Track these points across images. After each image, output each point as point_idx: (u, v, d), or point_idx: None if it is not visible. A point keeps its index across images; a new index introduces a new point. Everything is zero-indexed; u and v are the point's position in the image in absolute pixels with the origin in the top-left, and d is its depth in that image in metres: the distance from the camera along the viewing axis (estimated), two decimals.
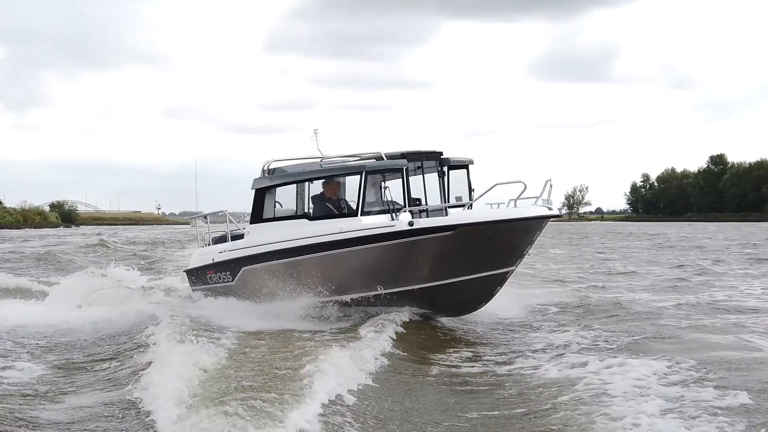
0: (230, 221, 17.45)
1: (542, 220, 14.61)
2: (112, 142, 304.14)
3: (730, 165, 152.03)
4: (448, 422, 8.52)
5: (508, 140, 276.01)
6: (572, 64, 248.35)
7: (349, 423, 8.09)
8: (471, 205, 15.14)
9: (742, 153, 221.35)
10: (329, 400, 8.50)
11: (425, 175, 15.78)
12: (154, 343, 11.55)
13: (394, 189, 14.87)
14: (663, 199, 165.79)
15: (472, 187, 16.07)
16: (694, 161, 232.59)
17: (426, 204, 15.43)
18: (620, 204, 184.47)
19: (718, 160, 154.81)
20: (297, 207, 16.07)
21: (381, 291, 14.80)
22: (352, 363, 10.24)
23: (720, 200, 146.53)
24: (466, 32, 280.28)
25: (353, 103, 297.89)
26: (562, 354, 11.80)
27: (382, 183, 15.20)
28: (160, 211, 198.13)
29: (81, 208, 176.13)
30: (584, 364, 10.71)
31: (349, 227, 14.61)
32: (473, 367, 11.44)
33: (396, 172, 15.04)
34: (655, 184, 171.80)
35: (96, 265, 28.70)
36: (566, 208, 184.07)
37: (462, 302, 15.03)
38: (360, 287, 14.87)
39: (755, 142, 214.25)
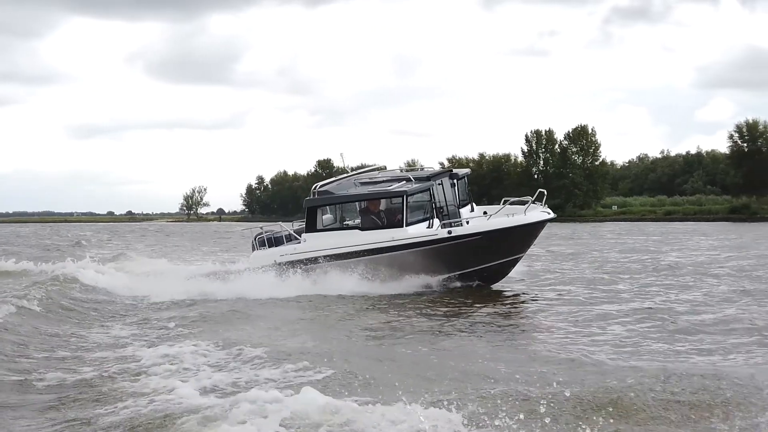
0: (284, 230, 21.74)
1: (543, 223, 21.25)
2: None
3: (335, 168, 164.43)
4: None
5: (132, 140, 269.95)
6: (194, 66, 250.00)
7: None
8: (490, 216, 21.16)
9: (351, 158, 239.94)
10: None
11: (444, 187, 21.40)
12: None
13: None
14: (276, 201, 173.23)
15: (467, 190, 23.26)
16: (305, 164, 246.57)
17: (446, 207, 21.19)
18: (238, 205, 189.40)
19: (324, 164, 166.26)
20: (337, 220, 21.27)
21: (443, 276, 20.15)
22: None
23: None
24: (87, 28, 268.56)
25: None
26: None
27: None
28: None
29: None
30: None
31: (399, 236, 19.99)
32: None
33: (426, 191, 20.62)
34: (269, 186, 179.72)
35: None
36: (185, 208, 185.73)
37: (491, 277, 21.02)
38: (418, 275, 19.97)
39: (362, 146, 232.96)
